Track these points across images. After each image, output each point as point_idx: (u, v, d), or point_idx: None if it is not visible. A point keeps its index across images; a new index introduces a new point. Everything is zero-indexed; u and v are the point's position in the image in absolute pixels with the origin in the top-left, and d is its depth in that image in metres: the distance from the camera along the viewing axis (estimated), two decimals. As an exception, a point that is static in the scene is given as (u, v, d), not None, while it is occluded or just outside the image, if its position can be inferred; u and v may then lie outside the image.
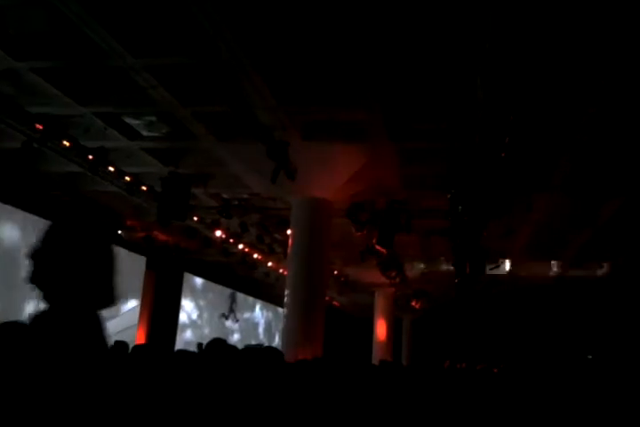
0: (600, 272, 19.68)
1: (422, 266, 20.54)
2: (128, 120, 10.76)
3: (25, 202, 12.82)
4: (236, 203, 13.98)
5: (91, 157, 10.24)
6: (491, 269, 16.39)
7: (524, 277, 20.31)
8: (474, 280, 18.30)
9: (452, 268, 17.80)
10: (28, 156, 9.99)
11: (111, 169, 10.84)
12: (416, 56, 7.89)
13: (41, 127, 9.26)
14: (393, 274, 18.32)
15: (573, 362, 22.25)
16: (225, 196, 14.03)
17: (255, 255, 17.61)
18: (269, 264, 18.67)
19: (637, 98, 7.62)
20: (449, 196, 10.47)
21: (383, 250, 14.64)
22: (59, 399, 1.65)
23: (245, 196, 13.88)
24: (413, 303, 24.91)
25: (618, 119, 9.17)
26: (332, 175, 11.34)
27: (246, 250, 17.00)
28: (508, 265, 18.80)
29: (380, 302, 24.61)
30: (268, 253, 17.50)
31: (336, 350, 14.31)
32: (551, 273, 20.00)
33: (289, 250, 12.17)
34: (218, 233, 15.30)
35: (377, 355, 22.02)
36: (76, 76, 9.25)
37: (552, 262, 19.51)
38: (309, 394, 3.94)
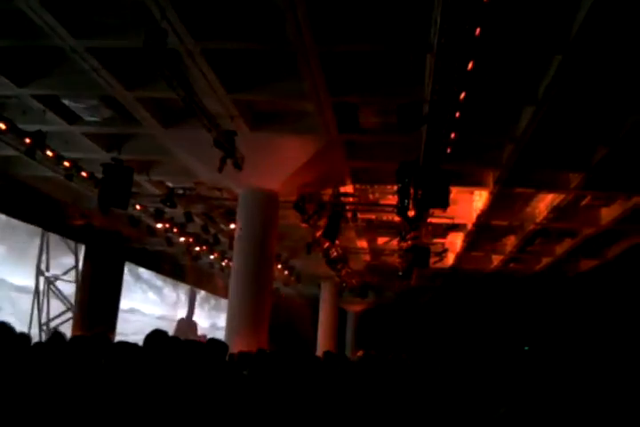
0: (538, 266, 20.33)
1: (367, 259, 20.74)
2: (68, 103, 10.37)
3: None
4: (181, 192, 13.70)
5: (28, 140, 9.80)
6: (434, 263, 16.65)
7: (465, 270, 20.78)
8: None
9: (396, 260, 18.05)
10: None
11: (49, 154, 10.41)
12: (366, 48, 7.89)
13: (-25, 108, 8.81)
14: (338, 266, 18.42)
15: (511, 353, 23.01)
16: (169, 184, 13.73)
17: (199, 246, 17.35)
18: (214, 255, 18.44)
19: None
20: (397, 188, 10.55)
21: (328, 242, 14.71)
22: None
23: (191, 185, 13.62)
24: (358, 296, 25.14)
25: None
26: (280, 166, 11.25)
27: (190, 240, 16.70)
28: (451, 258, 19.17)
29: (325, 294, 24.76)
30: (214, 243, 17.27)
31: (281, 340, 14.29)
32: (491, 266, 20.52)
33: (235, 241, 12.04)
34: (161, 222, 14.97)
35: (321, 346, 22.15)
36: (15, 56, 8.84)
37: (492, 256, 20.02)
38: (253, 386, 3.89)
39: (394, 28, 7.32)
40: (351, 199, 13.77)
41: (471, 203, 14.60)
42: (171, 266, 20.87)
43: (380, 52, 8.09)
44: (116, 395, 3.12)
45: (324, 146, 10.88)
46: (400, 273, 18.01)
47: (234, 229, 12.58)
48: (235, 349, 7.80)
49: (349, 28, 7.42)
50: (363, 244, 18.78)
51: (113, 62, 8.55)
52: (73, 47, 7.97)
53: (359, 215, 14.83)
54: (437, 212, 12.24)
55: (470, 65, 6.35)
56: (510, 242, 17.83)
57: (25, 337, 4.50)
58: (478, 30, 5.71)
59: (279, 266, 18.53)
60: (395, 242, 16.62)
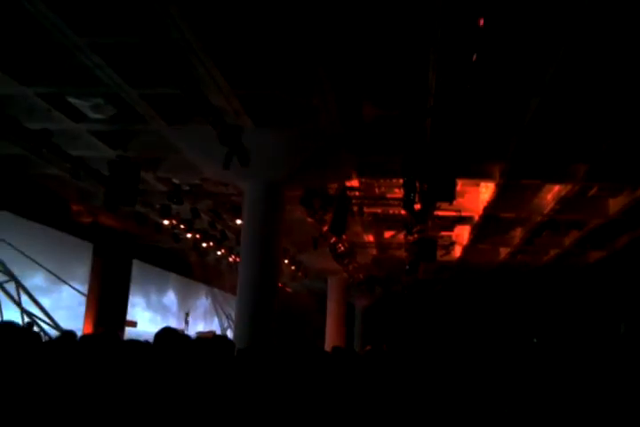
0: (546, 258, 20.27)
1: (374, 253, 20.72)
2: (73, 101, 10.36)
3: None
4: (187, 188, 13.70)
5: (34, 139, 9.83)
6: (441, 256, 16.63)
7: (472, 262, 20.73)
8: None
9: (403, 254, 18.03)
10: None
11: (55, 152, 10.44)
12: (370, 42, 7.85)
13: (-20, 108, 8.82)
14: (345, 261, 18.41)
15: (520, 345, 22.99)
16: (175, 181, 13.73)
17: (207, 242, 17.38)
18: (221, 251, 18.46)
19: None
20: (403, 182, 10.53)
21: (335, 237, 14.71)
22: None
23: (197, 181, 13.62)
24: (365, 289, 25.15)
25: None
26: (285, 161, 11.24)
27: (198, 236, 16.74)
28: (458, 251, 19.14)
29: (332, 289, 24.75)
30: (221, 239, 17.30)
31: (289, 336, 14.32)
32: (498, 259, 20.47)
33: (242, 236, 12.04)
34: (167, 219, 15.00)
35: (329, 341, 22.17)
36: (17, 53, 8.81)
37: (500, 249, 19.96)
38: (261, 382, 3.89)
39: (396, 22, 7.27)
40: (357, 193, 13.75)
41: (478, 195, 14.55)
42: (179, 263, 20.91)
43: (384, 46, 8.04)
44: (128, 393, 3.13)
45: (328, 140, 10.85)
46: (407, 267, 17.99)
47: (241, 225, 12.57)
48: (242, 344, 7.81)
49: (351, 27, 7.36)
50: (369, 238, 18.76)
51: (116, 59, 8.53)
52: (76, 44, 7.95)
53: (365, 209, 14.80)
54: (444, 205, 12.21)
55: (474, 57, 6.32)
56: (517, 234, 17.78)
57: (36, 335, 4.52)
58: (482, 21, 5.68)
59: (286, 261, 18.54)
60: (401, 236, 16.60)
